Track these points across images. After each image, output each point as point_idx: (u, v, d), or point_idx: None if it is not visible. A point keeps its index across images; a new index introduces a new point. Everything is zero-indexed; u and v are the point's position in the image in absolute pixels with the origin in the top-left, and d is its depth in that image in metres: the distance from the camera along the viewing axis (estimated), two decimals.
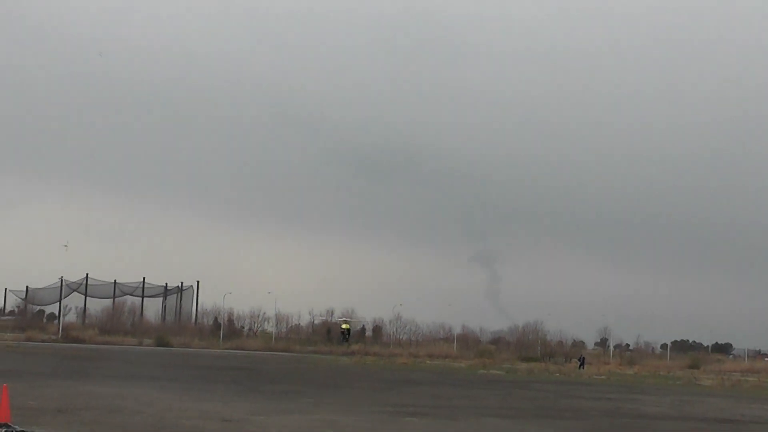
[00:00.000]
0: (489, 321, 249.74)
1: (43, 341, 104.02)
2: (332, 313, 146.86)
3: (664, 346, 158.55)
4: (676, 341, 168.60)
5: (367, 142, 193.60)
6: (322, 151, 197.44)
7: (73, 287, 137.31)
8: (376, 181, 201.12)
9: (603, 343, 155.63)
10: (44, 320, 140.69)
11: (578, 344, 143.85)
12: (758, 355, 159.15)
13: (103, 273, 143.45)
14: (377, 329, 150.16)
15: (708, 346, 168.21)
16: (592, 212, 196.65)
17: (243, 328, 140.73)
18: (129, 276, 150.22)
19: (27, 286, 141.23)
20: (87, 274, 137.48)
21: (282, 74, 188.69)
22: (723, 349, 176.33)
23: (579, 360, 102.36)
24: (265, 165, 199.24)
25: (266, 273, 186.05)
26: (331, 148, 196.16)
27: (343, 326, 43.62)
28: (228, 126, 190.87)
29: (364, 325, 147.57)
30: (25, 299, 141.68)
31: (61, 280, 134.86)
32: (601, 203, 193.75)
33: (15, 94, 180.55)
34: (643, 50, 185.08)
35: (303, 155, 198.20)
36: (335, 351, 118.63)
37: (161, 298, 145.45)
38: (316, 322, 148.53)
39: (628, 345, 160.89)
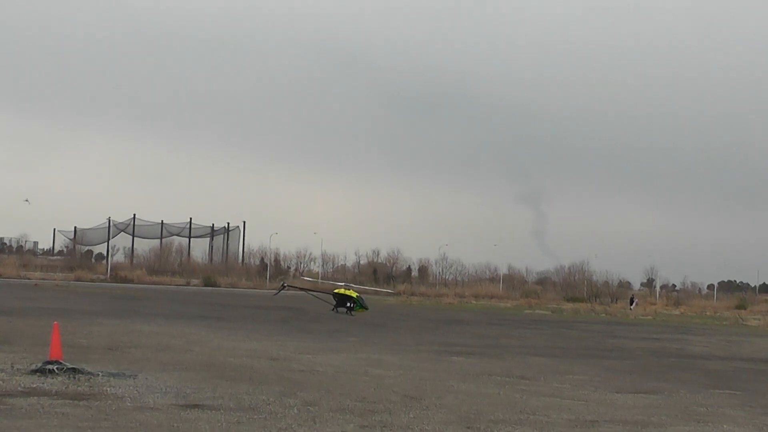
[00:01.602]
0: (535, 261, 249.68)
1: (91, 281, 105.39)
2: (378, 254, 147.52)
3: (710, 287, 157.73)
4: (722, 281, 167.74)
5: (411, 79, 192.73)
6: (366, 89, 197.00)
7: (121, 228, 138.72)
8: (421, 119, 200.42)
9: (649, 283, 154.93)
10: (92, 260, 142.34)
11: (624, 285, 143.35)
12: None
13: (151, 213, 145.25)
14: (423, 269, 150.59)
15: (755, 286, 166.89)
16: (640, 150, 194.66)
17: (289, 268, 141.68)
18: (176, 216, 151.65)
19: (75, 227, 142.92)
20: (134, 215, 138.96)
21: (325, 13, 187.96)
22: None
23: (630, 300, 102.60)
24: (310, 105, 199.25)
25: (312, 214, 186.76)
26: (375, 86, 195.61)
27: (347, 292, 39.81)
28: (273, 66, 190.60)
29: (410, 265, 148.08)
30: (74, 239, 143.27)
31: (109, 221, 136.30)
32: (650, 140, 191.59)
33: (61, 40, 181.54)
34: None
35: (347, 94, 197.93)
36: (381, 291, 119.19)
37: (208, 239, 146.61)
38: (361, 262, 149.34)
39: (674, 285, 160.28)
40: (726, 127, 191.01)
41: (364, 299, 44.28)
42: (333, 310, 41.26)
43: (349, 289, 43.85)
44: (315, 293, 46.82)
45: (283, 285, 45.35)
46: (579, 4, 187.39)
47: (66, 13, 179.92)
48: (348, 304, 42.56)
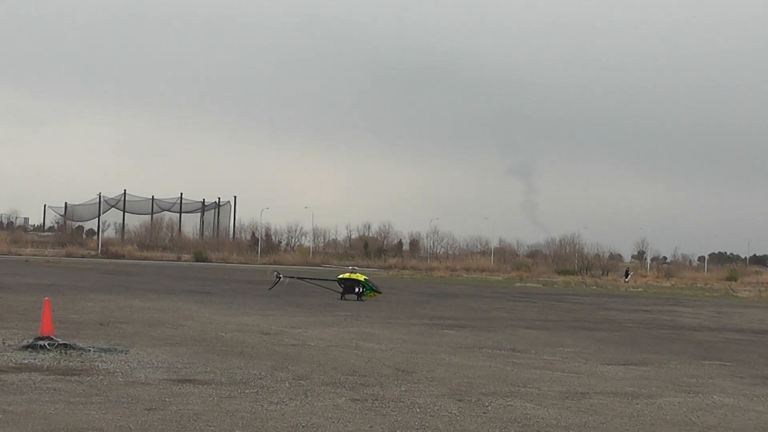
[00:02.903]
0: (526, 234, 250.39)
1: (82, 257, 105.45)
2: (369, 227, 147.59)
3: (701, 259, 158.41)
4: (713, 253, 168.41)
5: (402, 53, 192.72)
6: (356, 63, 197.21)
7: (112, 203, 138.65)
8: (411, 93, 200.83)
9: (640, 255, 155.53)
10: (83, 236, 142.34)
11: (615, 257, 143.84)
12: None
13: (141, 189, 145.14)
14: (414, 243, 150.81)
15: (746, 258, 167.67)
16: (630, 123, 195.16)
17: (280, 242, 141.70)
18: (167, 192, 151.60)
19: (66, 203, 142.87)
20: (125, 191, 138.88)
21: None
22: (761, 260, 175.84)
23: (625, 273, 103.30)
24: (300, 80, 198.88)
25: (303, 188, 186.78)
26: (365, 60, 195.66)
27: (353, 276, 38.49)
28: (263, 41, 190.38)
29: (401, 239, 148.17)
30: (64, 215, 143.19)
31: (100, 197, 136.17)
32: (640, 113, 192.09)
33: (53, 16, 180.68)
34: None
35: (338, 69, 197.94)
36: (373, 265, 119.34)
37: (199, 214, 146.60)
38: (353, 236, 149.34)
39: (665, 257, 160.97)
40: (718, 100, 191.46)
41: (373, 282, 42.63)
42: (341, 298, 40.13)
43: (355, 273, 42.26)
44: (316, 281, 45.72)
45: (277, 276, 43.93)
46: None
47: None
48: (357, 290, 40.69)
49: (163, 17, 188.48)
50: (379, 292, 41.69)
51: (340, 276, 42.53)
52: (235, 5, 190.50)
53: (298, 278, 46.58)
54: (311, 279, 46.94)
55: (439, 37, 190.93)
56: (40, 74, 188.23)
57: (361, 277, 41.43)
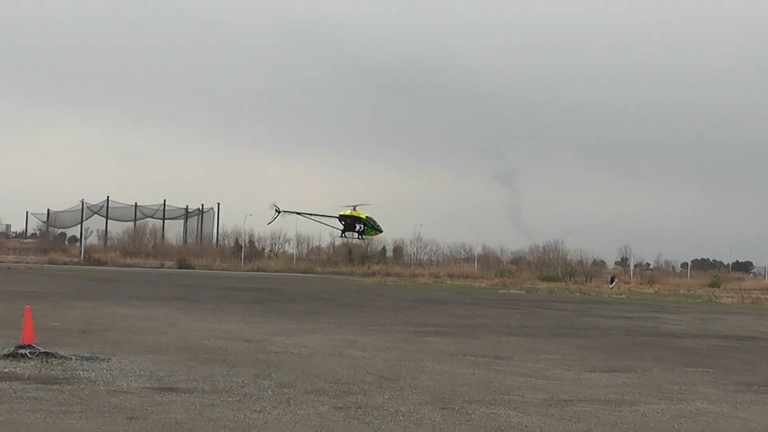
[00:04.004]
0: (509, 241, 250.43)
1: (65, 263, 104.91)
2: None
3: (684, 265, 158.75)
4: (696, 260, 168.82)
5: (384, 60, 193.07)
6: (339, 70, 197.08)
7: (94, 210, 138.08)
8: (394, 99, 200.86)
9: (623, 262, 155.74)
10: (66, 243, 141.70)
11: (599, 263, 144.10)
12: None
13: (124, 195, 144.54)
14: (398, 249, 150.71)
15: (728, 264, 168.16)
16: (612, 129, 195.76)
17: (264, 249, 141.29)
18: (150, 198, 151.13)
19: (48, 209, 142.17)
20: (108, 197, 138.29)
21: None
22: (743, 267, 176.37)
23: (611, 279, 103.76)
24: (282, 86, 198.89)
25: (287, 194, 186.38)
26: (347, 67, 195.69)
27: (354, 213, 36.55)
28: (245, 48, 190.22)
29: (384, 246, 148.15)
30: (47, 222, 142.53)
31: (82, 203, 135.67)
32: (622, 120, 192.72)
33: (36, 19, 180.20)
34: None
35: (320, 74, 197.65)
36: (356, 272, 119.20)
37: (182, 220, 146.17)
38: (336, 243, 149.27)
39: (648, 264, 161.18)
40: (700, 108, 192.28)
41: (375, 220, 40.67)
42: (341, 236, 38.44)
43: (356, 210, 40.18)
44: (316, 217, 43.99)
45: (277, 210, 42.35)
46: None
47: None
48: (357, 227, 38.74)
49: (148, 24, 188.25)
50: (381, 231, 40.08)
51: (341, 213, 40.72)
52: (215, 8, 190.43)
53: (298, 213, 44.87)
54: (311, 215, 45.30)
55: (424, 43, 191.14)
56: (21, 78, 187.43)
57: (363, 215, 39.58)
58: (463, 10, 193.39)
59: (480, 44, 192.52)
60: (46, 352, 17.47)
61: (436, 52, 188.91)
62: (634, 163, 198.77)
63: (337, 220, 39.75)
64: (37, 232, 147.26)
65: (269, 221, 41.63)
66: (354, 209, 40.19)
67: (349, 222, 39.01)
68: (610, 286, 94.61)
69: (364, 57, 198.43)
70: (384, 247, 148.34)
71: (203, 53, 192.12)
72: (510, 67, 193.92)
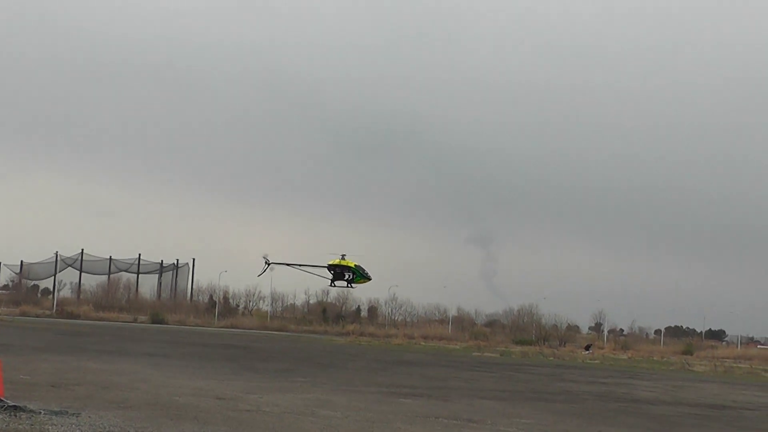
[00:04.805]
0: (484, 303, 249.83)
1: (37, 316, 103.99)
2: (327, 293, 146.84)
3: (657, 332, 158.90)
4: (670, 327, 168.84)
5: (361, 120, 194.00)
6: (317, 130, 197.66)
7: (68, 262, 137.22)
8: (371, 160, 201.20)
9: (597, 327, 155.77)
10: (39, 295, 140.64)
11: (573, 328, 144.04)
12: (750, 341, 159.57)
13: (99, 249, 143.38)
14: (372, 310, 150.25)
15: (701, 332, 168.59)
16: (588, 196, 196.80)
17: (238, 306, 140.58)
18: (124, 252, 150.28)
19: (21, 261, 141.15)
20: (82, 250, 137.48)
21: (277, 56, 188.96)
22: (716, 335, 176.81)
23: (586, 347, 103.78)
24: (260, 143, 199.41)
25: (261, 252, 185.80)
26: (326, 127, 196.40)
27: (343, 263, 36.28)
28: (223, 106, 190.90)
29: (359, 306, 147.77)
30: (20, 273, 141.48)
31: (56, 255, 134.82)
32: (598, 187, 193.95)
33: (10, 71, 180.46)
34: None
35: (297, 132, 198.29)
36: (330, 331, 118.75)
37: (157, 275, 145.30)
38: (311, 301, 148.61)
39: (622, 330, 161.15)
40: (676, 173, 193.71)
41: (364, 268, 40.52)
42: (331, 285, 38.20)
43: (344, 259, 40.11)
44: (305, 267, 43.84)
45: (267, 262, 42.12)
46: (528, 48, 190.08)
47: (11, 41, 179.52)
48: (347, 276, 38.58)
49: (124, 75, 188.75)
50: (370, 279, 39.94)
51: (330, 262, 40.60)
52: (197, 66, 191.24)
53: (287, 264, 44.68)
54: (300, 265, 45.12)
55: (400, 104, 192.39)
56: None
57: (352, 264, 39.46)
58: (438, 77, 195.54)
59: (457, 106, 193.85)
60: (15, 406, 17.28)
61: (414, 113, 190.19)
62: (609, 229, 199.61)
63: (326, 269, 39.54)
64: (10, 284, 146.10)
65: (259, 273, 41.38)
66: (343, 258, 40.04)
67: (338, 271, 38.89)
68: (585, 353, 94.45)
69: (342, 117, 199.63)
70: (359, 306, 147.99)
71: (181, 109, 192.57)
72: (486, 129, 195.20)
